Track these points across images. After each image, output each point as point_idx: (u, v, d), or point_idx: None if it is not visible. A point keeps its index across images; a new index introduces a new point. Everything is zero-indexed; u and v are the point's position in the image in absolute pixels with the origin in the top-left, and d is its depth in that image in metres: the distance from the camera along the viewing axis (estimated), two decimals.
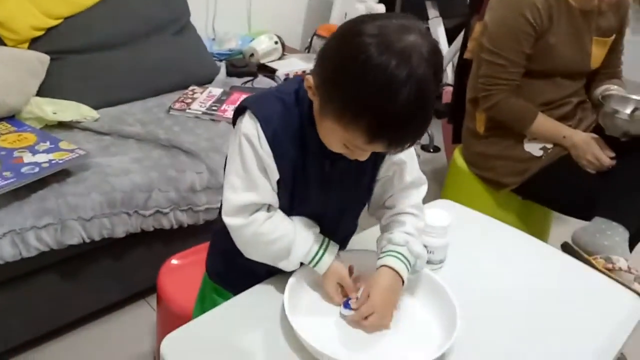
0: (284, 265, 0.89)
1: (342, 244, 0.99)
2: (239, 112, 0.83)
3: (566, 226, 1.68)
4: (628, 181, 1.40)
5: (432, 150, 2.76)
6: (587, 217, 1.41)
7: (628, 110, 1.45)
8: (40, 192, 1.35)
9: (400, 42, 0.69)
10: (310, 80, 0.76)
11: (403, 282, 0.88)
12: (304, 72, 2.25)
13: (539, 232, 1.77)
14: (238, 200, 0.82)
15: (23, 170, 1.32)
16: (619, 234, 1.32)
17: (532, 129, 1.53)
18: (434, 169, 2.60)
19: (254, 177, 0.81)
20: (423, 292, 0.96)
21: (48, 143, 1.45)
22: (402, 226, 0.90)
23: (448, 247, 1.06)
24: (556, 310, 0.99)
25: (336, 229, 0.93)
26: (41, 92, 1.71)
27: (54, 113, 1.61)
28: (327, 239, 0.90)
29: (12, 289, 1.36)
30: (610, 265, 1.29)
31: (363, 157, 0.78)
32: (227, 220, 0.84)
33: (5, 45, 1.72)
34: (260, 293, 0.95)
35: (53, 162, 1.37)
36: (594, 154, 1.47)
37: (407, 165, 0.91)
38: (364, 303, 0.85)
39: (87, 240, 1.38)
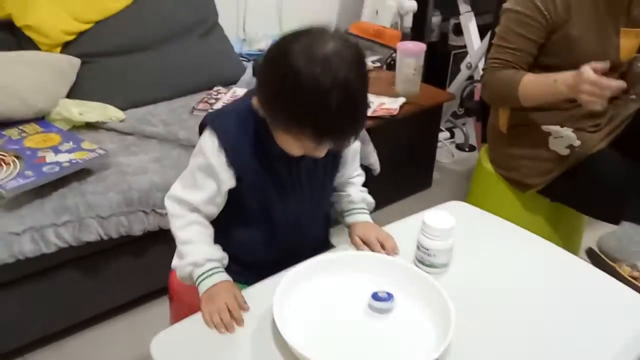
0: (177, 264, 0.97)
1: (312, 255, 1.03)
2: (201, 127, 0.94)
3: (601, 231, 1.59)
4: None
5: (467, 149, 2.68)
6: (615, 221, 1.33)
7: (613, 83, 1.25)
8: (61, 190, 1.40)
9: (320, 54, 0.77)
10: (254, 102, 0.86)
11: None
12: None
13: (570, 236, 1.68)
14: (179, 191, 0.95)
15: (44, 169, 1.37)
16: None
17: (522, 92, 1.37)
18: (469, 169, 2.53)
19: (198, 181, 0.92)
20: (420, 296, 0.93)
21: (71, 143, 1.50)
22: (352, 188, 1.08)
23: (452, 251, 1.02)
24: (568, 318, 0.93)
25: (304, 233, 1.03)
26: (71, 94, 1.78)
27: (81, 114, 1.67)
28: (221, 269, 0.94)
29: (33, 283, 1.41)
30: (636, 273, 1.22)
31: (322, 153, 0.87)
32: (167, 201, 0.96)
33: (39, 49, 1.80)
34: (257, 292, 0.95)
35: (73, 161, 1.42)
36: (589, 79, 1.21)
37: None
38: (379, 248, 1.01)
39: (105, 238, 1.42)
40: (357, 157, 1.09)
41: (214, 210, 0.96)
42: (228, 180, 0.91)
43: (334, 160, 1.00)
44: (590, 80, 1.21)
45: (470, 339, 0.86)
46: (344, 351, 0.84)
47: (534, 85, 1.35)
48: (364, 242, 1.03)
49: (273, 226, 0.99)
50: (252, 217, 0.99)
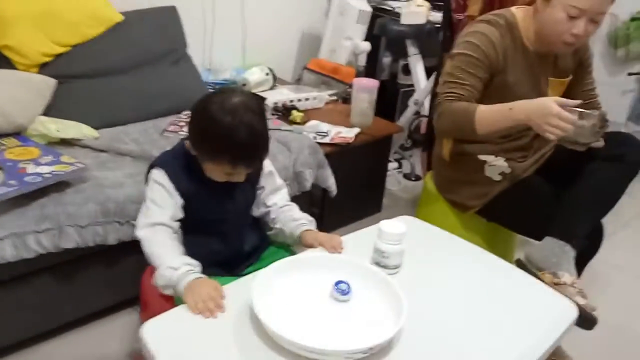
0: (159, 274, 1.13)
1: (254, 255, 1.33)
2: (149, 168, 1.24)
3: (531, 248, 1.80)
4: (576, 203, 1.52)
5: (413, 178, 2.90)
6: (539, 237, 1.54)
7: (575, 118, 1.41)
8: (41, 200, 1.48)
9: (230, 104, 1.09)
10: (187, 144, 1.18)
11: None
12: (290, 101, 2.41)
13: (504, 252, 1.89)
14: (147, 219, 1.18)
15: (26, 179, 1.45)
16: (565, 252, 1.45)
17: (479, 119, 1.49)
18: (414, 196, 2.74)
19: (160, 204, 1.18)
20: (378, 290, 1.09)
21: (51, 157, 1.59)
22: (291, 211, 1.32)
23: (403, 254, 1.19)
24: (497, 313, 1.11)
25: (242, 235, 1.31)
26: (47, 112, 1.85)
27: (58, 131, 1.76)
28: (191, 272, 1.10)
29: (12, 287, 1.48)
30: (556, 280, 1.42)
31: (241, 178, 1.17)
32: (139, 232, 1.17)
33: (16, 69, 1.89)
34: (240, 285, 1.09)
35: (54, 173, 1.51)
36: (559, 114, 1.35)
37: (272, 176, 1.33)
38: (331, 247, 1.22)
39: (82, 246, 1.51)
40: (277, 183, 1.34)
41: (178, 225, 1.20)
42: (179, 200, 1.19)
43: (253, 182, 1.31)
44: (561, 115, 1.35)
45: (417, 325, 1.02)
46: (312, 331, 0.98)
47: (490, 113, 1.49)
48: (318, 243, 1.24)
49: (221, 231, 1.26)
50: (204, 227, 1.24)
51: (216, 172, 1.15)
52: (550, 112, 1.37)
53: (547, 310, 1.14)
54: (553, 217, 1.52)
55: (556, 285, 1.41)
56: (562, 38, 1.51)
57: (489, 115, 1.50)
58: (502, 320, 1.09)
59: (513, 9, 1.64)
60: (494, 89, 1.60)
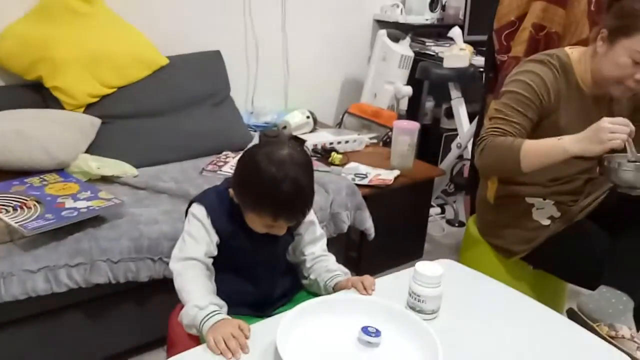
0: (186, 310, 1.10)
1: (285, 297, 1.28)
2: (190, 203, 1.21)
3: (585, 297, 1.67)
4: (636, 251, 1.41)
5: (457, 224, 2.80)
6: (593, 287, 1.43)
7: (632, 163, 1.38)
8: (77, 234, 1.49)
9: (277, 156, 1.08)
10: (231, 192, 1.16)
11: None
12: (330, 143, 2.40)
13: (553, 301, 1.76)
14: (182, 253, 1.15)
15: (63, 213, 1.47)
16: (623, 303, 1.34)
17: (525, 152, 1.42)
18: (458, 242, 2.63)
19: (196, 239, 1.15)
20: (411, 336, 1.01)
21: (89, 192, 1.61)
22: (327, 262, 1.27)
23: (441, 299, 1.11)
24: None
25: (275, 280, 1.26)
26: (90, 150, 1.91)
27: (98, 168, 1.79)
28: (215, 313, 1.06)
29: (42, 322, 1.48)
30: (613, 333, 1.30)
31: (281, 232, 1.15)
32: (172, 265, 1.15)
33: (63, 109, 1.96)
34: (266, 325, 1.04)
35: (91, 208, 1.52)
36: (609, 119, 1.32)
37: (312, 225, 1.28)
38: (363, 288, 1.17)
39: (113, 282, 1.50)
40: (317, 233, 1.29)
41: (210, 262, 1.18)
42: (214, 237, 1.17)
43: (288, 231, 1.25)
44: (613, 122, 1.32)
45: None
46: None
47: (537, 145, 1.42)
48: (350, 284, 1.19)
49: (254, 275, 1.23)
50: (237, 268, 1.21)
51: (257, 223, 1.13)
52: (599, 126, 1.32)
53: None
54: (609, 263, 1.41)
55: (613, 338, 1.29)
56: (624, 83, 1.44)
57: (536, 149, 1.42)
58: None
59: (567, 49, 1.58)
60: (543, 132, 1.51)
